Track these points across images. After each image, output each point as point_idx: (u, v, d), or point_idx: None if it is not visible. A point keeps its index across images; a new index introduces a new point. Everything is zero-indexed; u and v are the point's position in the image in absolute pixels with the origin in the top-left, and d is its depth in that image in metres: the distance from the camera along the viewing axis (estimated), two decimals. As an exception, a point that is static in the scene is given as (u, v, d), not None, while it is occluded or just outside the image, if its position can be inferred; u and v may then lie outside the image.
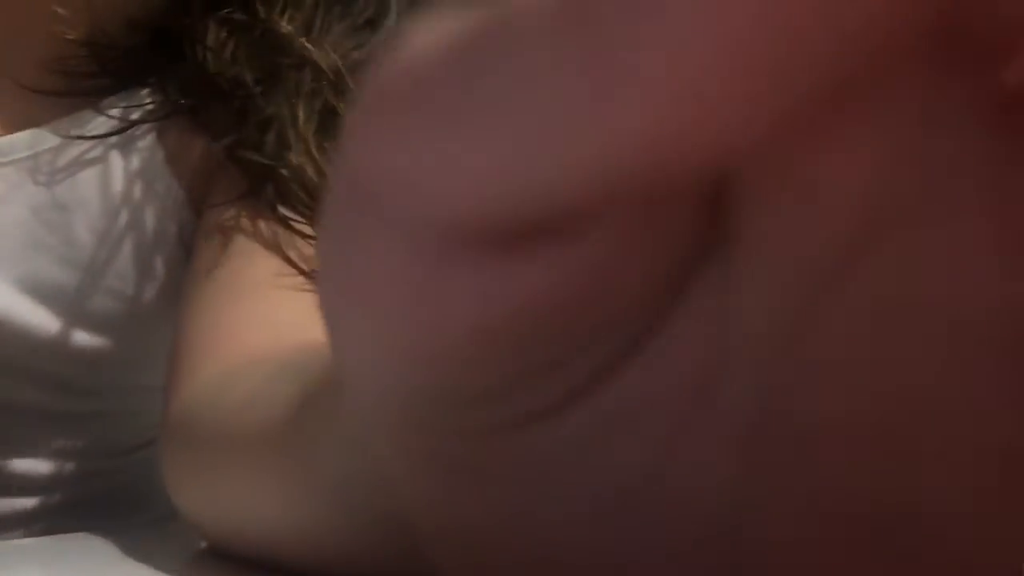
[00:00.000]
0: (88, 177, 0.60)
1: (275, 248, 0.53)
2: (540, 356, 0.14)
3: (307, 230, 0.54)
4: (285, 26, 0.57)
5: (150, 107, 0.60)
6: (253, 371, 0.40)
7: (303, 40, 0.56)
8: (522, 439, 0.15)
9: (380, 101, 0.13)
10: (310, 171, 0.54)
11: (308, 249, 0.53)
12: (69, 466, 0.65)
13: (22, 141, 0.60)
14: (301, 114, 0.55)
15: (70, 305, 0.61)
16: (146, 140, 0.61)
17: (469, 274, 0.13)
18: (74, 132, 0.59)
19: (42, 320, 0.60)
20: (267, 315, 0.50)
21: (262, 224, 0.54)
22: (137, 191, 0.61)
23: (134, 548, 0.46)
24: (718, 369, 0.14)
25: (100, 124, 0.60)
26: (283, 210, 0.54)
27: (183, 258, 0.60)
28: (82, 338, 0.61)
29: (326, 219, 0.15)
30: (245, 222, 0.55)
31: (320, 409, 0.27)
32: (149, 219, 0.61)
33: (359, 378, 0.16)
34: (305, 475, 0.28)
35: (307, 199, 0.54)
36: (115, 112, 0.60)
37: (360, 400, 0.17)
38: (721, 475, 0.15)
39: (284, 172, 0.55)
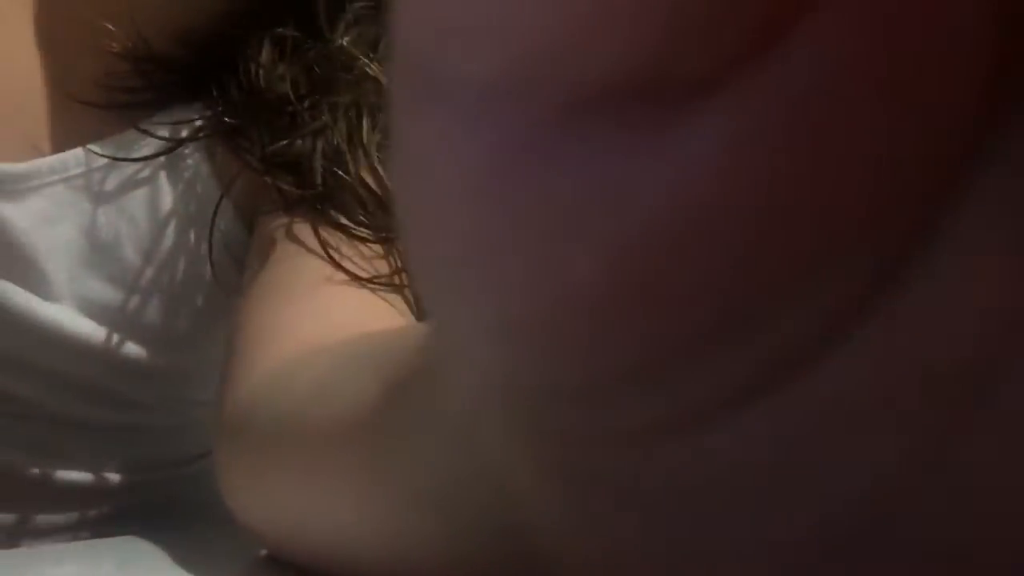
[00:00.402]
0: (137, 196, 0.61)
1: (327, 252, 0.53)
2: (720, 317, 0.10)
3: (362, 233, 0.54)
4: (348, 44, 0.58)
5: (198, 123, 0.61)
6: (315, 362, 0.38)
7: (366, 57, 0.57)
8: (690, 444, 0.11)
9: None
10: (371, 181, 0.55)
11: (360, 253, 0.53)
12: (116, 478, 0.66)
13: (73, 159, 0.60)
14: (365, 125, 0.56)
15: (120, 321, 0.61)
16: (194, 156, 0.62)
17: (609, 161, 0.10)
18: (123, 151, 0.60)
19: (92, 335, 0.61)
20: (323, 311, 0.49)
21: (313, 229, 0.54)
22: (185, 208, 0.61)
23: (183, 553, 0.46)
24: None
25: (148, 143, 0.60)
26: (336, 215, 0.55)
27: (233, 272, 0.60)
28: (132, 352, 0.62)
29: (397, 154, 0.11)
30: (296, 228, 0.55)
31: (410, 402, 0.24)
32: (197, 236, 0.61)
33: (462, 366, 0.12)
34: (391, 474, 0.25)
35: (363, 207, 0.55)
36: (163, 131, 0.60)
37: (466, 396, 0.13)
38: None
39: (338, 181, 0.55)
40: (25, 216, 0.59)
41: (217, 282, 0.61)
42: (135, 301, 0.61)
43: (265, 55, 0.59)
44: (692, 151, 0.10)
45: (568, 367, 0.11)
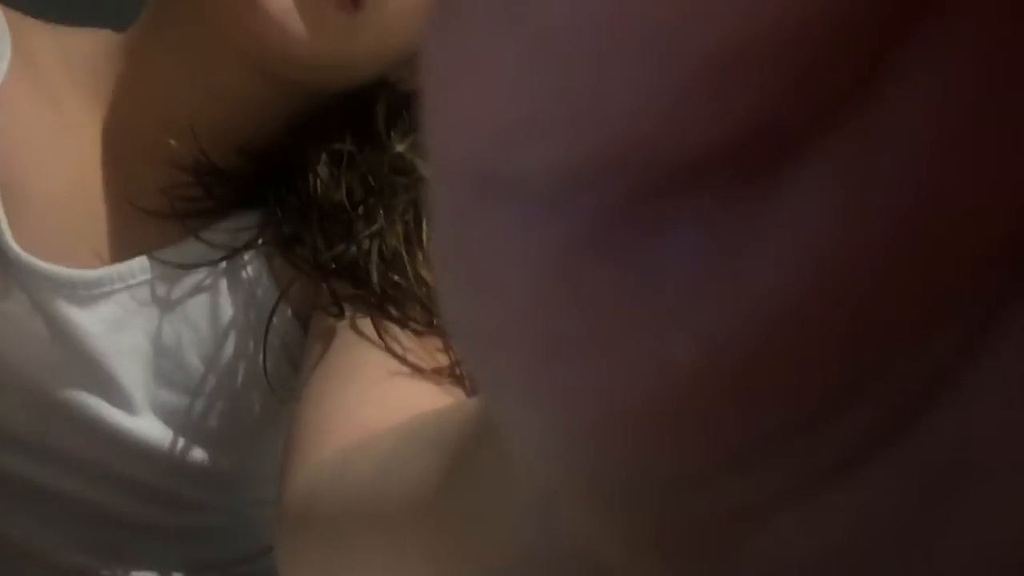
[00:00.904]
0: (199, 303, 0.63)
1: (386, 344, 0.54)
2: (830, 392, 0.09)
3: (420, 328, 0.55)
4: (406, 150, 0.60)
5: (255, 231, 0.63)
6: (376, 445, 0.37)
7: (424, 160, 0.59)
8: (794, 516, 0.10)
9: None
10: (429, 279, 0.56)
11: (420, 345, 0.54)
12: None
13: (139, 267, 0.63)
14: (424, 226, 0.58)
15: (185, 426, 0.63)
16: (253, 263, 0.64)
17: (707, 240, 0.09)
18: (184, 260, 0.62)
19: (160, 439, 0.63)
20: (378, 395, 0.50)
21: (373, 323, 0.56)
22: (245, 314, 0.64)
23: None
24: None
25: (208, 252, 0.63)
26: (391, 309, 0.56)
27: (290, 373, 0.62)
28: (196, 456, 0.64)
29: (438, 244, 0.11)
30: (351, 322, 0.56)
31: (477, 478, 0.23)
32: (256, 341, 0.63)
33: (538, 462, 0.11)
34: (461, 554, 0.24)
35: (421, 304, 0.56)
36: (221, 239, 0.63)
37: (543, 485, 0.13)
38: None
39: (395, 281, 0.57)
40: (96, 322, 0.61)
41: (271, 385, 0.63)
42: (199, 406, 0.63)
43: (323, 168, 0.61)
44: (797, 218, 0.09)
45: (666, 461, 0.10)
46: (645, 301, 0.09)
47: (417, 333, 0.55)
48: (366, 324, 0.56)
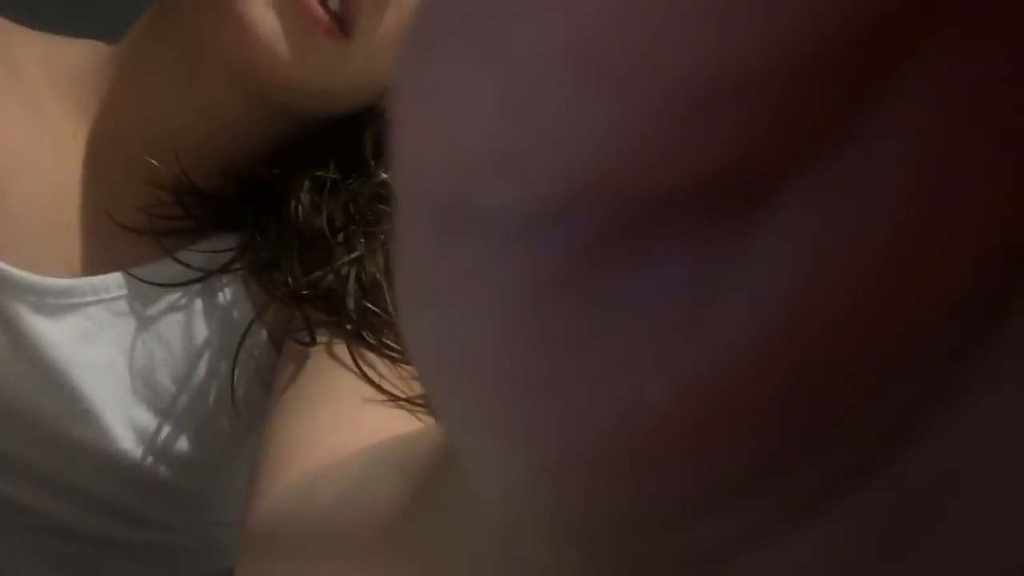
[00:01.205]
0: (172, 323, 0.63)
1: (361, 369, 0.54)
2: (806, 431, 0.09)
3: (396, 355, 0.55)
4: (391, 178, 0.60)
5: (232, 253, 0.63)
6: (344, 468, 0.37)
7: None
8: (761, 557, 0.10)
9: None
10: None
11: (396, 373, 0.54)
12: None
13: (114, 282, 0.62)
14: None
15: (151, 445, 0.63)
16: (230, 284, 0.63)
17: (680, 278, 0.09)
18: (160, 278, 0.62)
19: (124, 456, 0.62)
20: (348, 419, 0.49)
21: (348, 348, 0.55)
22: (219, 336, 0.63)
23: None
24: None
25: (183, 272, 0.62)
26: (366, 335, 0.56)
27: (263, 396, 0.61)
28: (159, 474, 0.63)
29: (403, 278, 0.10)
30: (327, 347, 0.56)
31: (440, 504, 0.23)
32: (229, 363, 0.63)
33: (500, 498, 0.11)
34: (430, 575, 0.24)
35: (395, 332, 0.56)
36: (197, 260, 0.62)
37: (504, 519, 0.13)
38: None
39: (371, 309, 0.57)
40: (61, 332, 0.61)
41: (237, 409, 0.62)
42: (168, 426, 0.63)
43: (305, 194, 0.61)
44: (772, 258, 0.09)
45: (628, 502, 0.10)
46: (612, 340, 0.09)
47: (392, 360, 0.55)
48: (341, 349, 0.55)
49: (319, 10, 0.56)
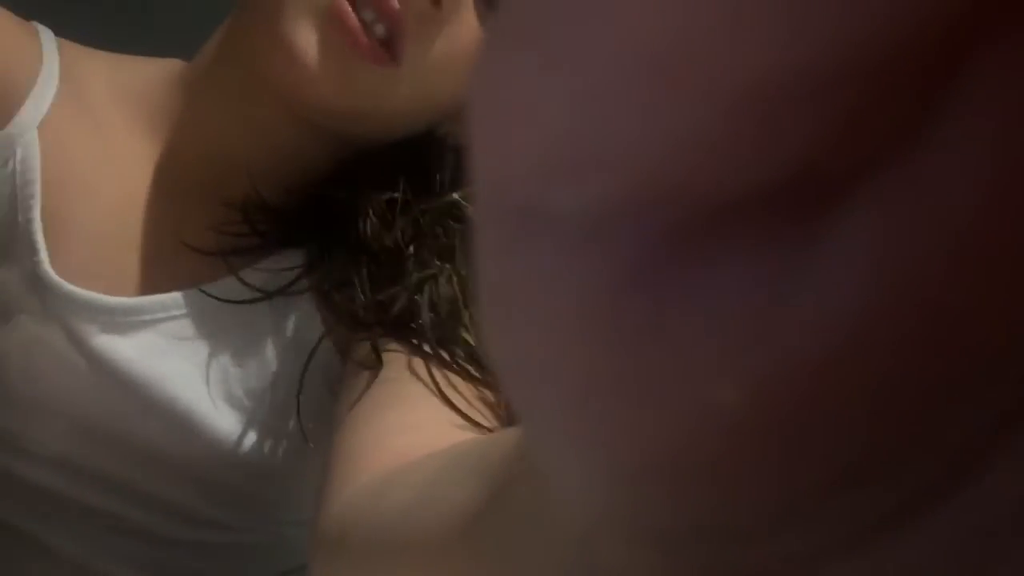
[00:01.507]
0: (241, 338, 0.64)
1: (421, 374, 0.54)
2: (881, 440, 0.09)
3: (463, 368, 0.55)
4: (461, 197, 0.61)
5: (298, 271, 0.64)
6: (415, 472, 0.37)
7: None
8: (840, 571, 0.10)
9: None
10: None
11: (470, 390, 0.54)
12: None
13: (181, 299, 0.64)
14: None
15: (229, 453, 0.64)
16: (301, 300, 0.65)
17: (752, 280, 0.09)
18: (228, 296, 0.63)
19: (201, 465, 0.64)
20: (415, 422, 0.50)
21: (410, 357, 0.56)
22: (289, 349, 0.64)
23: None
24: None
25: (250, 289, 0.63)
26: (442, 353, 0.56)
27: (330, 404, 0.62)
28: (238, 482, 0.65)
29: (482, 282, 0.11)
30: (400, 355, 0.57)
31: (517, 506, 0.23)
32: (298, 374, 0.64)
33: (577, 504, 0.11)
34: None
35: (470, 350, 0.56)
36: (263, 278, 0.63)
37: (581, 525, 0.13)
38: None
39: (444, 328, 0.57)
40: (133, 348, 0.62)
41: (301, 423, 0.63)
42: (243, 436, 0.64)
43: (375, 213, 0.62)
44: (845, 261, 0.08)
45: (712, 508, 0.10)
46: (683, 342, 0.09)
47: (465, 377, 0.55)
48: (418, 363, 0.56)
49: (363, 36, 0.56)
